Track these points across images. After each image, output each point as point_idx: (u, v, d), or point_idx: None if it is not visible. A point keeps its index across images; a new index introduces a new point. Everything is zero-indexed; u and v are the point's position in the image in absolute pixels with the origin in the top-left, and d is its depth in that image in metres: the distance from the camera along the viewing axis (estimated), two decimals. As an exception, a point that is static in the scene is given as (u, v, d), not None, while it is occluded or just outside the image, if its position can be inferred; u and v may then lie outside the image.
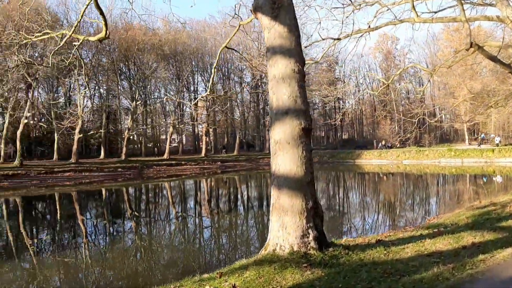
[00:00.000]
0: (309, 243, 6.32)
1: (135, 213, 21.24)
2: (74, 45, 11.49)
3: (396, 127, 59.70)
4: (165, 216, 20.49)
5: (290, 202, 6.40)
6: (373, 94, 47.03)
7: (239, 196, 28.96)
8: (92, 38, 10.52)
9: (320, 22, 13.90)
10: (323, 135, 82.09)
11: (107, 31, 9.39)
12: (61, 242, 14.74)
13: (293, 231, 6.33)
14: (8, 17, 25.72)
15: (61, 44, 10.88)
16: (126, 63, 54.59)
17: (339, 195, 28.21)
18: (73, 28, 10.11)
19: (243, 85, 63.26)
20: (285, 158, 6.52)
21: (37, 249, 13.39)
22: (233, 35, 10.50)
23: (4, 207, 25.49)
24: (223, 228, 16.65)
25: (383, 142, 58.81)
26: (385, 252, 6.59)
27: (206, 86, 61.34)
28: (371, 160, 53.77)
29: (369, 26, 13.45)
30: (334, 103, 60.57)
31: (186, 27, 60.22)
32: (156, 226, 18.03)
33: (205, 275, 6.34)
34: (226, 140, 70.58)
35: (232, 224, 17.60)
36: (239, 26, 10.04)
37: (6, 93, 39.53)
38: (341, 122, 65.85)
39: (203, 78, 63.03)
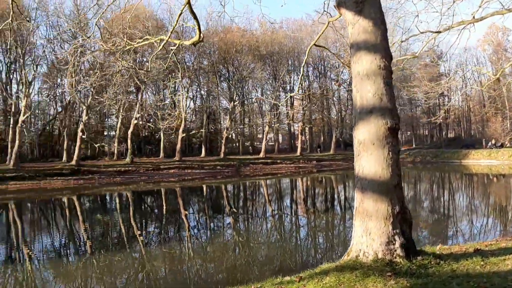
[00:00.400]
0: (395, 251, 5.91)
1: (233, 209, 21.89)
2: (171, 49, 12.05)
3: (508, 125, 54.12)
4: (262, 214, 20.81)
5: (374, 206, 6.05)
6: (480, 89, 43.03)
7: (335, 196, 28.45)
8: (187, 42, 10.96)
9: (417, 15, 13.05)
10: (426, 133, 77.36)
11: (201, 35, 9.68)
12: (166, 235, 15.72)
13: (378, 237, 5.97)
14: (119, 25, 28.03)
15: (160, 49, 11.49)
16: (225, 65, 56.47)
17: (443, 198, 26.33)
18: (170, 33, 10.59)
19: (335, 83, 61.71)
20: (369, 160, 6.18)
21: (146, 240, 14.39)
22: (322, 32, 10.27)
23: (117, 200, 27.88)
24: (315, 229, 16.45)
25: (493, 141, 53.72)
26: (482, 263, 5.93)
27: (302, 85, 61.17)
28: (479, 160, 49.45)
29: (474, 17, 12.31)
30: (438, 99, 56.74)
31: (282, 26, 60.75)
32: (253, 222, 18.41)
33: (286, 278, 6.25)
34: (322, 138, 69.79)
35: (325, 225, 17.34)
36: (328, 23, 9.78)
37: (119, 96, 43.12)
38: (446, 120, 61.42)
39: (299, 77, 62.81)
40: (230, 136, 55.22)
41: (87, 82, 37.06)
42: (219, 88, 56.66)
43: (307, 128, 61.24)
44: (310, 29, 58.37)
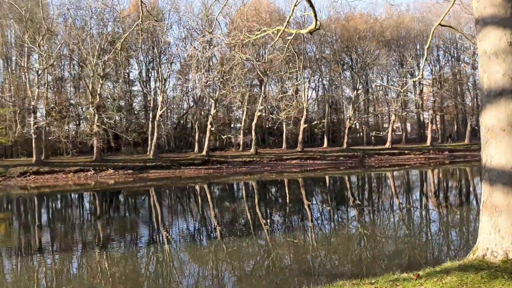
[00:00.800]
0: (530, 251, 5.23)
1: (357, 201, 21.43)
2: (288, 39, 12.14)
3: None
4: (388, 207, 20.05)
5: (505, 200, 5.40)
6: None
7: (470, 189, 26.13)
8: (303, 31, 10.95)
9: None
10: None
11: (317, 23, 9.59)
12: (290, 224, 16.07)
13: (509, 235, 5.33)
14: (242, 20, 29.18)
15: (276, 40, 11.64)
16: (348, 53, 55.19)
17: None
18: (285, 23, 10.65)
19: (464, 65, 56.00)
20: (499, 148, 5.52)
21: (271, 229, 14.89)
22: (447, 11, 9.45)
23: (243, 189, 29.24)
24: (444, 225, 15.32)
25: None
26: None
27: (432, 70, 57.07)
28: None
29: None
30: None
31: (408, 9, 57.45)
32: (378, 215, 17.82)
33: (403, 275, 5.91)
34: (455, 127, 64.33)
35: (455, 221, 16.06)
36: (454, 0, 8.98)
37: (243, 89, 44.95)
38: None
39: (428, 62, 58.68)
40: (353, 126, 53.97)
41: (210, 76, 39.38)
42: (341, 77, 55.68)
43: (438, 116, 57.04)
44: (439, 10, 54.12)
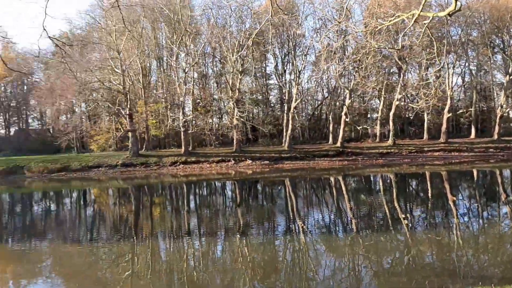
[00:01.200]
0: None
1: (511, 197, 19.44)
2: (424, 23, 11.37)
3: None
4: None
5: None
6: None
7: None
8: (440, 14, 10.18)
9: None
10: None
11: (457, 3, 8.86)
12: (432, 220, 15.22)
13: None
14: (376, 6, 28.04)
15: (411, 24, 10.98)
16: (499, 34, 49.48)
17: None
18: (421, 6, 9.97)
19: None
20: None
21: (410, 224, 14.27)
22: None
23: (380, 182, 28.40)
24: None
25: None
26: None
27: None
28: None
29: None
30: None
31: None
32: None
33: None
34: None
35: None
36: None
37: (380, 77, 43.35)
38: None
39: None
40: (505, 114, 48.39)
41: (343, 65, 38.73)
42: (491, 61, 50.25)
43: None
44: None
